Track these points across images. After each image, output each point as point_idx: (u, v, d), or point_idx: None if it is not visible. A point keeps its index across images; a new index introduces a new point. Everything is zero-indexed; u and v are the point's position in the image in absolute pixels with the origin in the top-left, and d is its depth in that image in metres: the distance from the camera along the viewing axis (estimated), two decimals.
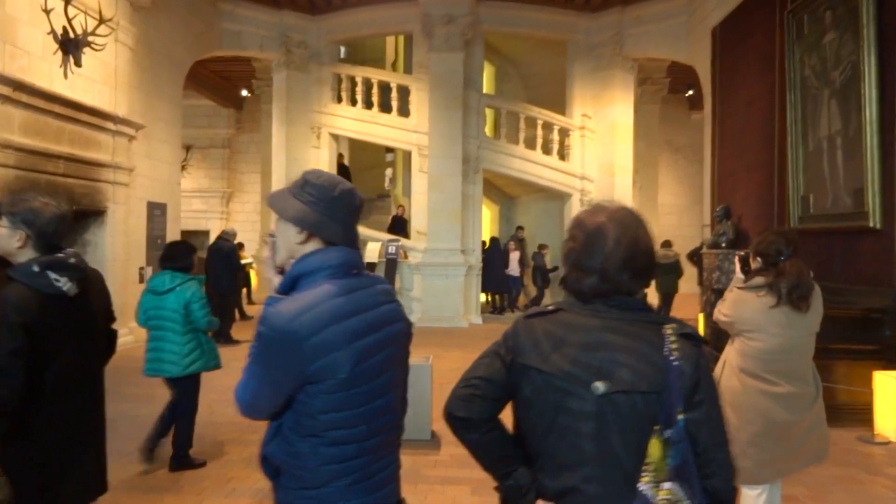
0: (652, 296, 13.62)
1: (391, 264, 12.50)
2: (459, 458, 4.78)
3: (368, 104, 13.32)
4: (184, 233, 20.87)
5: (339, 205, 1.62)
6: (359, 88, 13.36)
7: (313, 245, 1.61)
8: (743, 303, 3.08)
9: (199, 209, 21.01)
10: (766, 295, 2.98)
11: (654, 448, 1.33)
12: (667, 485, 1.31)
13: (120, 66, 9.19)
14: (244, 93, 19.51)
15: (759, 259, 3.12)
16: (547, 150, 13.20)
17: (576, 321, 1.43)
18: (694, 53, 11.57)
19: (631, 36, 12.88)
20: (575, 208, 13.34)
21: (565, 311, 1.47)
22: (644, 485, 1.32)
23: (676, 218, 19.16)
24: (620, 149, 13.26)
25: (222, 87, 19.44)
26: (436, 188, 12.30)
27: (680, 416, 1.34)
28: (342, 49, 17.86)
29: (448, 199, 12.26)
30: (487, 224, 16.61)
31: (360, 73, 13.55)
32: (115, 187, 9.13)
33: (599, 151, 13.36)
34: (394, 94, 13.07)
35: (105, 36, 8.38)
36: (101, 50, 8.36)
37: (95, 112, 8.50)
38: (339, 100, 13.63)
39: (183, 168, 20.83)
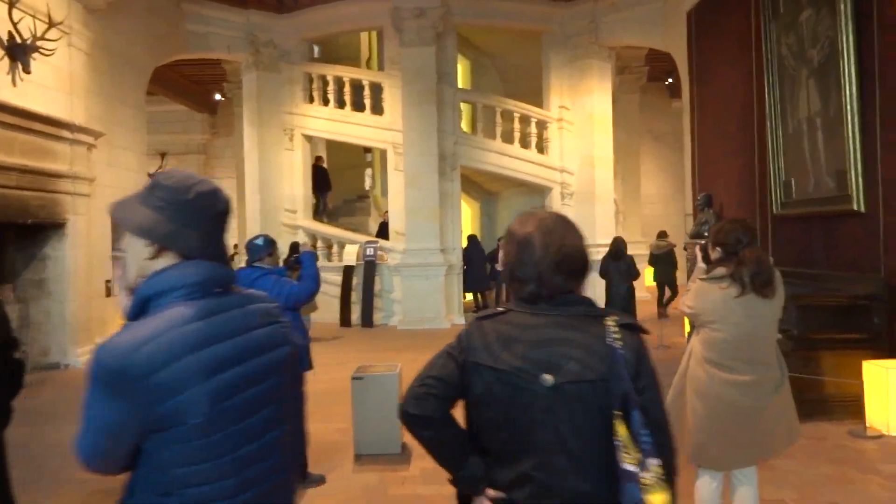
0: (643, 289, 13.40)
1: (369, 266, 12.21)
2: (429, 473, 4.49)
3: (341, 103, 12.98)
4: None
5: (196, 209, 1.31)
6: (331, 87, 13.02)
7: (166, 260, 1.31)
8: (705, 294, 3.03)
9: None
10: (730, 286, 2.92)
11: (622, 429, 1.40)
12: (653, 461, 1.38)
13: (75, 72, 8.83)
14: (217, 97, 19.12)
15: (718, 249, 3.08)
16: (525, 143, 12.92)
17: (524, 321, 1.50)
18: (670, 39, 11.32)
19: (606, 24, 12.61)
20: (556, 202, 13.09)
21: (514, 311, 1.54)
22: (630, 465, 1.37)
23: (661, 207, 18.95)
24: (600, 140, 13.00)
25: (195, 92, 19.06)
26: (412, 186, 12.00)
27: (635, 399, 1.42)
28: (315, 48, 17.53)
29: (425, 197, 11.96)
30: (468, 221, 16.33)
31: (332, 71, 13.21)
32: (75, 198, 8.77)
33: (578, 143, 13.10)
34: (366, 92, 12.76)
35: (55, 40, 8.01)
36: (52, 55, 7.99)
37: (49, 120, 8.15)
38: (311, 100, 13.30)
39: None
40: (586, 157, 13.01)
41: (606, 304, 10.03)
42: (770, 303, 2.93)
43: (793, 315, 5.38)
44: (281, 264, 5.63)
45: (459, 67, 16.02)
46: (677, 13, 10.68)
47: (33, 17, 7.88)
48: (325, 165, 16.15)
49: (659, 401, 1.51)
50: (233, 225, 19.60)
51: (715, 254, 3.09)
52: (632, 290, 9.52)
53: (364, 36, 17.07)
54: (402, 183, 12.22)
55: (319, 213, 15.34)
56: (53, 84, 8.38)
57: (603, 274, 10.08)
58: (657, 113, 19.03)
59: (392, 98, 12.44)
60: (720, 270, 3.00)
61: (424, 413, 1.51)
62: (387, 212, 14.17)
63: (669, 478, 1.42)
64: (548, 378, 1.42)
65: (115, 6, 9.73)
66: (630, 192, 16.01)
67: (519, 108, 12.81)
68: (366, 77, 13.02)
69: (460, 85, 13.83)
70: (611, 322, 1.48)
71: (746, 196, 8.32)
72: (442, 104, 12.24)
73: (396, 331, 11.57)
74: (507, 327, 1.51)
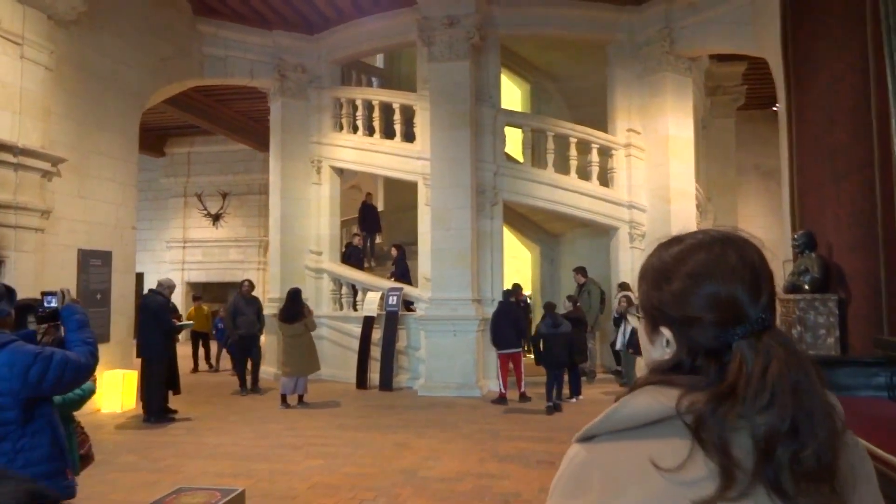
0: None
1: (391, 318, 10.32)
2: None
3: (370, 130, 11.40)
4: (219, 285, 19.74)
5: None
6: (360, 113, 11.49)
7: None
8: (614, 484, 0.78)
9: (235, 259, 19.85)
10: (688, 463, 0.73)
11: None
12: None
13: (29, 88, 7.69)
14: None
15: (664, 330, 0.90)
16: (584, 174, 10.71)
17: None
18: (763, 41, 8.88)
19: (683, 29, 10.33)
20: (623, 244, 10.73)
21: None
22: None
23: (768, 254, 15.82)
24: (678, 169, 10.54)
25: (254, 130, 18.28)
26: (440, 225, 10.07)
27: None
28: (374, 81, 16.25)
29: (455, 238, 9.98)
30: (528, 268, 14.14)
31: (361, 94, 11.70)
32: (20, 232, 7.53)
33: (651, 173, 10.73)
34: (397, 117, 11.11)
35: None
36: None
37: None
38: (341, 127, 11.82)
39: (219, 217, 19.88)
40: (660, 191, 10.59)
41: None
42: None
43: None
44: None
45: (518, 92, 14.18)
46: (769, 6, 8.28)
47: None
48: (374, 203, 14.65)
49: None
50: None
51: (656, 349, 0.92)
52: None
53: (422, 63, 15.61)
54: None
55: (367, 256, 13.75)
56: None
57: None
58: (764, 145, 16.09)
59: (424, 122, 10.70)
60: (646, 402, 0.81)
61: None
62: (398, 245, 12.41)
63: None
64: None
65: (101, 22, 8.69)
66: None
67: (576, 131, 10.67)
68: (396, 99, 11.33)
69: (520, 111, 11.91)
70: None
71: (863, 233, 5.75)
72: (480, 128, 10.35)
73: (417, 397, 9.53)
74: None
